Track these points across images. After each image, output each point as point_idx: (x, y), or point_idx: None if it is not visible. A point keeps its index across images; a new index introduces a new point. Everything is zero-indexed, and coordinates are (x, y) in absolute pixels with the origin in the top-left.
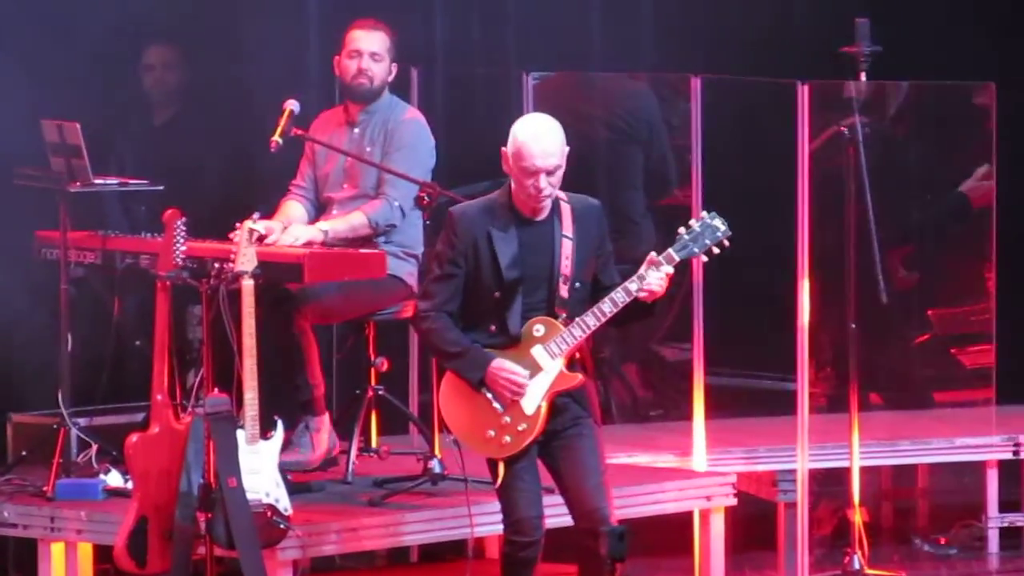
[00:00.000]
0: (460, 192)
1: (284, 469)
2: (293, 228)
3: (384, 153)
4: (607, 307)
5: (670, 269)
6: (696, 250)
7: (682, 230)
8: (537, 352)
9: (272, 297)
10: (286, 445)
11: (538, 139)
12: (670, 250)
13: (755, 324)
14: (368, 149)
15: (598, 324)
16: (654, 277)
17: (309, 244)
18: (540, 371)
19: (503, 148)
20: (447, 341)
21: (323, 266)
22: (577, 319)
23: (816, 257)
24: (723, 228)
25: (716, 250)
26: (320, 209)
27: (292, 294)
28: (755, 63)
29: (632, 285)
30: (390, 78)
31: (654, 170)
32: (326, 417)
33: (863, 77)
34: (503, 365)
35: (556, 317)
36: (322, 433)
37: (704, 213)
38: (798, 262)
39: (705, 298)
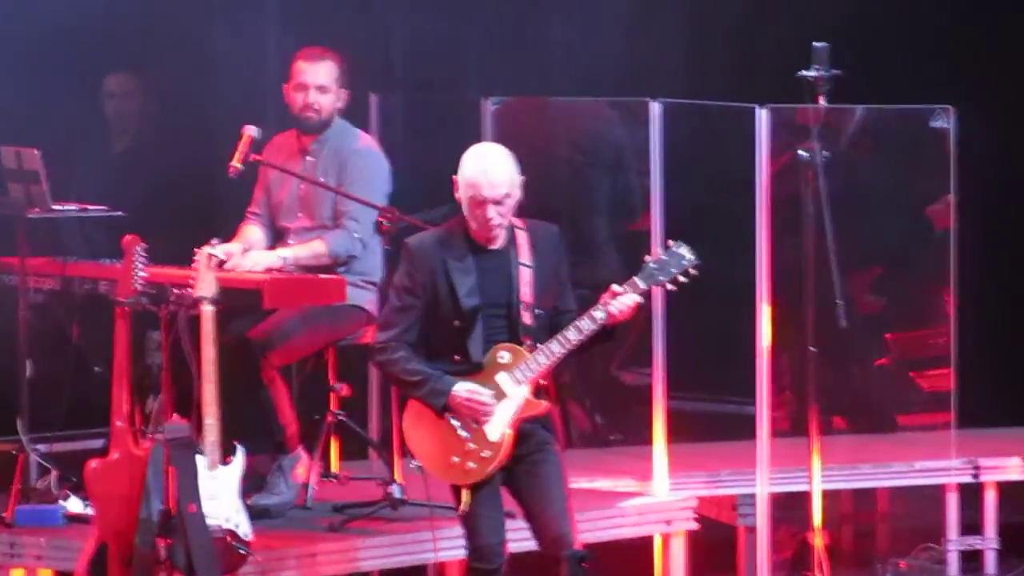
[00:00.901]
0: (420, 217)
1: (262, 512)
2: (253, 253)
3: (339, 184)
4: (572, 335)
5: (636, 296)
6: (662, 279)
7: (648, 258)
8: (502, 379)
9: (236, 349)
10: (261, 486)
11: (486, 170)
12: (635, 278)
13: (716, 348)
14: (322, 179)
15: (563, 352)
16: (622, 302)
17: (268, 270)
18: (505, 398)
19: (454, 176)
20: (407, 371)
21: (282, 291)
22: (542, 346)
23: (776, 281)
24: (689, 257)
25: (682, 279)
26: (277, 236)
27: (256, 343)
28: (715, 87)
29: (598, 313)
30: (340, 105)
31: (620, 195)
32: (300, 450)
33: (822, 101)
34: (467, 387)
35: (520, 344)
36: (298, 468)
37: (671, 242)
38: (758, 286)
39: (666, 322)
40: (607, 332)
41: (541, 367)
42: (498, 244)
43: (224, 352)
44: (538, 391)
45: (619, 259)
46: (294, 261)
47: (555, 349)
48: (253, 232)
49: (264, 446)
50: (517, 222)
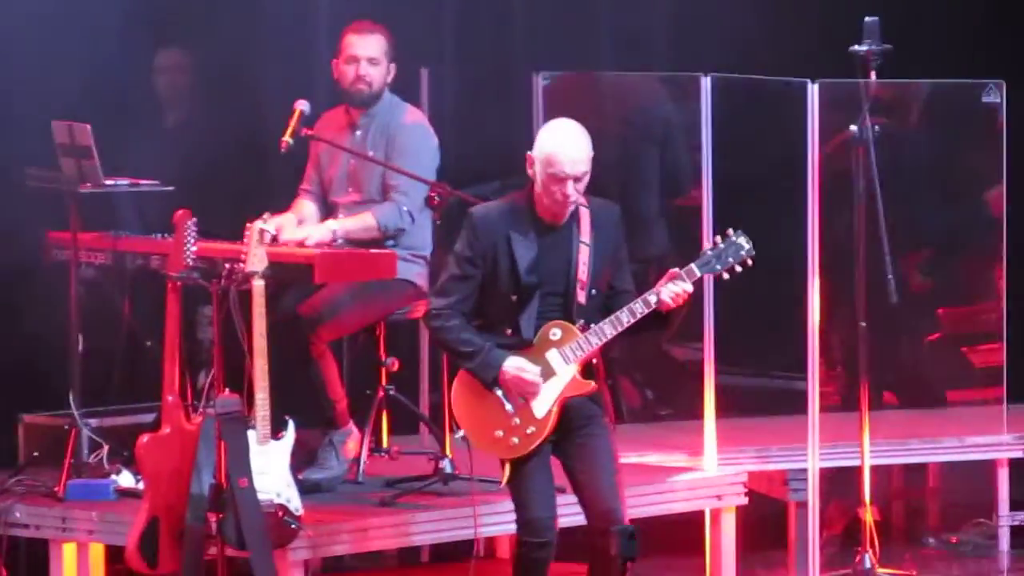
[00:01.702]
0: (470, 192)
1: (312, 487)
2: (304, 226)
3: (387, 159)
4: (625, 316)
5: (688, 285)
6: (718, 267)
7: (706, 246)
8: (552, 356)
9: (287, 323)
10: (311, 461)
11: (567, 146)
12: (692, 265)
13: (766, 323)
14: (371, 153)
15: (615, 333)
16: (673, 290)
17: (319, 244)
18: (553, 375)
19: (528, 153)
20: (460, 340)
21: (334, 266)
22: (594, 326)
23: (826, 257)
24: (747, 247)
25: (738, 268)
26: (328, 212)
27: (306, 318)
28: (766, 62)
29: (651, 297)
30: (389, 79)
31: (670, 170)
32: (351, 426)
33: (873, 76)
34: (516, 364)
35: (573, 323)
36: (348, 443)
37: (730, 231)
38: (808, 262)
39: (715, 297)
40: (663, 318)
41: (592, 347)
42: (562, 221)
43: (274, 328)
44: (586, 370)
45: (669, 235)
46: (344, 234)
47: (607, 330)
48: (306, 207)
49: (315, 421)
50: (581, 199)
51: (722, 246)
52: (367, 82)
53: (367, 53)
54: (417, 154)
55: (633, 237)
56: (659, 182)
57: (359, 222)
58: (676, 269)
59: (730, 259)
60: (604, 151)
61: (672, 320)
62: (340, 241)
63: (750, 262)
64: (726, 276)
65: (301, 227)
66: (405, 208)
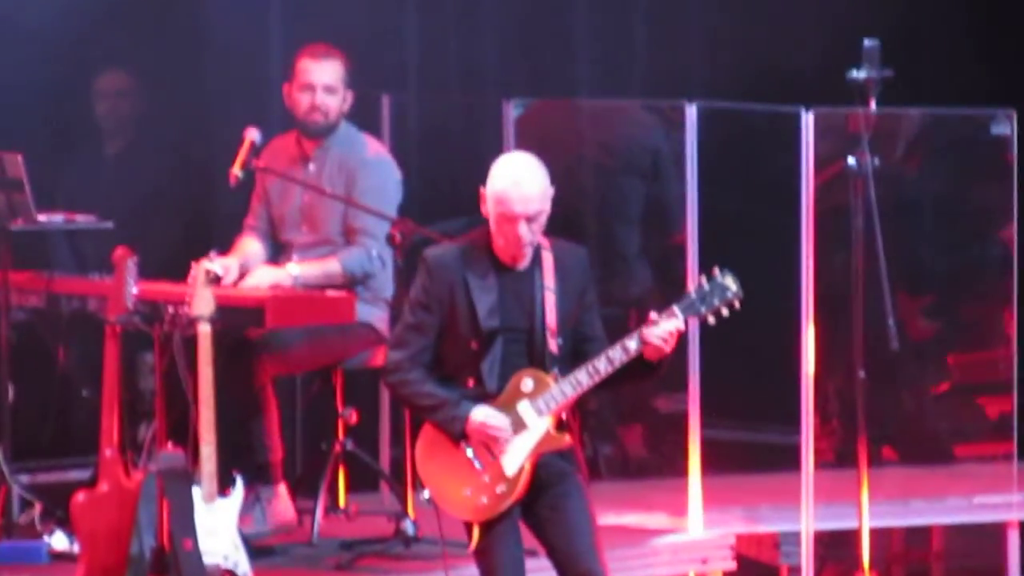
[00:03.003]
0: (435, 230)
1: (265, 550)
2: (260, 271)
3: (348, 195)
4: (603, 364)
5: (680, 322)
6: (703, 310)
7: (690, 287)
8: (523, 408)
9: (230, 346)
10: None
11: (519, 183)
12: (674, 307)
13: (755, 373)
14: (328, 189)
15: (591, 383)
16: (663, 329)
17: (273, 287)
18: (525, 429)
19: (482, 188)
20: (421, 394)
21: (287, 310)
22: (569, 376)
23: (821, 300)
24: (734, 288)
25: (724, 311)
26: (277, 250)
27: (252, 343)
28: (755, 89)
29: (631, 343)
30: (346, 107)
31: (656, 205)
32: (282, 487)
33: (872, 105)
34: (485, 417)
35: (546, 372)
36: (278, 505)
37: (716, 270)
38: (802, 305)
39: (701, 345)
40: (650, 367)
41: (566, 398)
42: (523, 264)
43: (220, 366)
44: (560, 423)
45: (652, 275)
46: (304, 281)
47: (582, 379)
48: (251, 245)
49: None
50: (543, 241)
51: (707, 287)
52: (323, 112)
53: (323, 80)
54: (382, 192)
55: (612, 277)
56: (641, 217)
57: (321, 268)
58: (654, 313)
59: (715, 301)
60: (582, 183)
61: (660, 367)
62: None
63: (737, 304)
64: (711, 320)
65: (253, 273)
66: (375, 252)
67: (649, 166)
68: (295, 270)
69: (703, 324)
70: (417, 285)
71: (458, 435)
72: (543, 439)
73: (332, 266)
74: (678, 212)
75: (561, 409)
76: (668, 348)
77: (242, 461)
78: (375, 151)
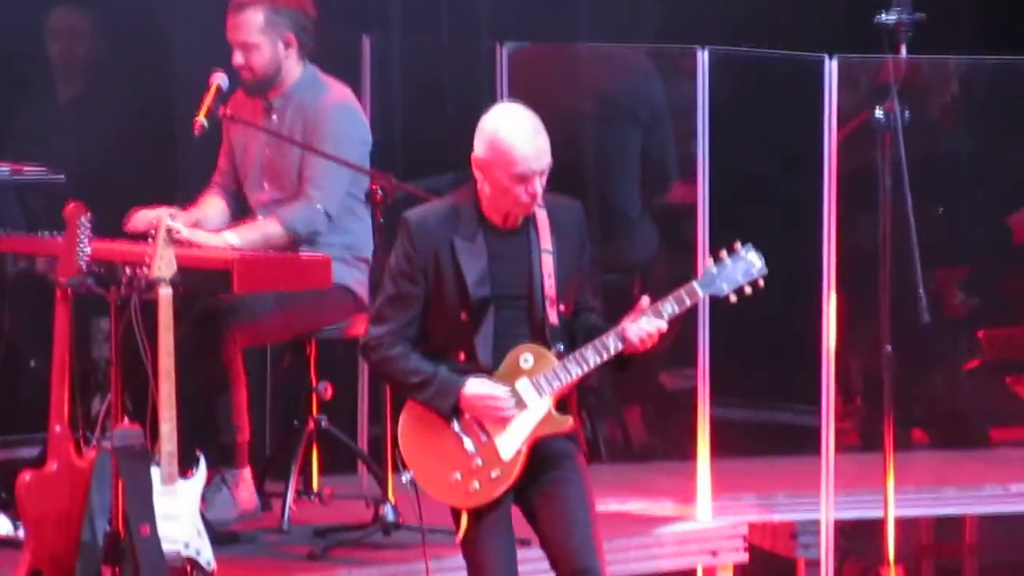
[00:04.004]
0: (420, 186)
1: (229, 537)
2: (196, 233)
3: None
4: (612, 343)
5: (662, 325)
6: (725, 288)
7: (710, 262)
8: (522, 386)
9: (195, 315)
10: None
11: (529, 138)
12: (693, 283)
13: (771, 347)
14: (284, 135)
15: (598, 362)
16: (644, 329)
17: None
18: (524, 409)
19: (473, 155)
20: (407, 371)
21: (256, 273)
22: (575, 353)
23: (844, 268)
24: (759, 264)
25: (748, 290)
26: (245, 210)
27: (219, 310)
28: (773, 33)
29: (609, 340)
30: (286, 55)
31: (653, 160)
32: (247, 472)
33: (903, 51)
34: (480, 388)
35: (548, 347)
36: (242, 491)
37: (738, 244)
38: (823, 273)
39: (712, 316)
40: (621, 361)
41: (571, 378)
42: (515, 223)
43: (183, 336)
44: (561, 404)
45: (656, 236)
46: (241, 247)
47: (589, 358)
48: (212, 205)
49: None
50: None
51: (729, 262)
52: (248, 69)
53: (239, 38)
54: (339, 138)
55: (616, 238)
56: (644, 173)
57: (258, 231)
58: (645, 300)
59: (739, 278)
60: (580, 136)
61: (631, 364)
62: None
63: (762, 283)
64: (733, 299)
65: (192, 233)
66: (319, 206)
67: (646, 117)
68: (231, 236)
69: (724, 303)
70: (398, 252)
71: (449, 411)
72: (543, 421)
73: (271, 228)
74: (675, 170)
75: (565, 390)
76: (643, 348)
77: (205, 441)
78: (339, 96)
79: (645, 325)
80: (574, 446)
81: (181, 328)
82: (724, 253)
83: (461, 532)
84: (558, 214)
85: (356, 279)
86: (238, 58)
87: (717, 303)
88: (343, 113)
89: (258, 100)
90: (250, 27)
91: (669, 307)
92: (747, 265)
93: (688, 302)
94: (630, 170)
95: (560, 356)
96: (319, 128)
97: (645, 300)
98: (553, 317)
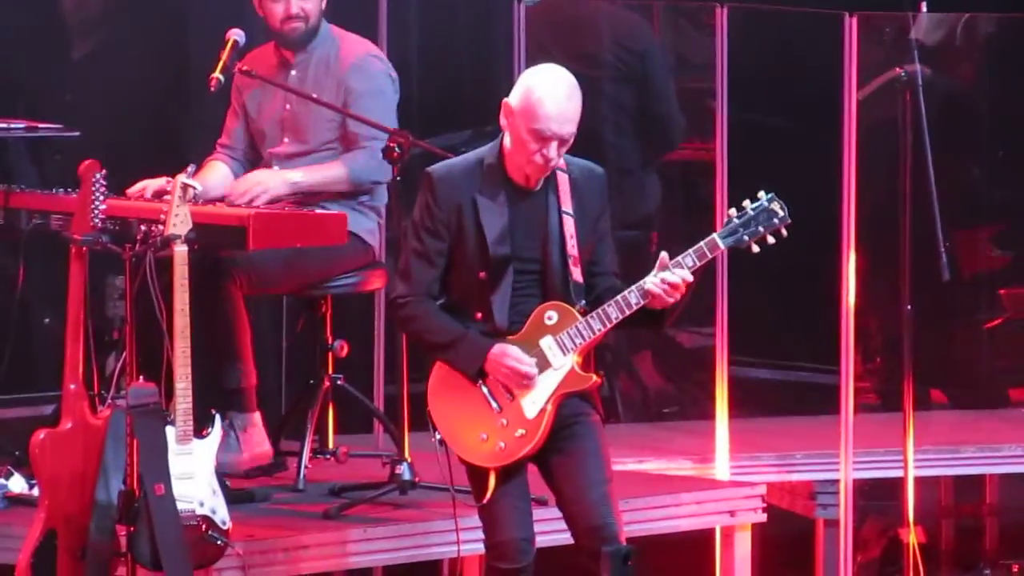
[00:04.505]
0: (436, 143)
1: (245, 495)
2: (255, 174)
3: (343, 104)
4: (634, 297)
5: (687, 275)
6: (746, 238)
7: (732, 211)
8: (547, 344)
9: (196, 264)
10: None
11: (559, 100)
12: (714, 236)
13: (790, 305)
14: (314, 96)
15: (620, 317)
16: (667, 280)
17: (273, 200)
18: (548, 367)
19: (505, 100)
20: (434, 330)
21: (272, 230)
22: (597, 310)
23: (864, 225)
24: (782, 213)
25: (771, 239)
26: (253, 168)
27: (220, 259)
28: None
29: (634, 293)
30: (323, 5)
31: (654, 118)
32: (257, 417)
33: (923, 8)
34: (505, 351)
35: (573, 305)
36: (252, 435)
37: (761, 193)
38: (843, 231)
39: (730, 273)
40: (653, 315)
41: (595, 334)
42: (537, 185)
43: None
44: (586, 361)
45: (660, 189)
46: (308, 187)
47: (611, 314)
48: (217, 170)
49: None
50: (560, 162)
51: (751, 212)
52: (301, 18)
53: None
54: (381, 92)
55: (621, 193)
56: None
57: (327, 173)
58: (664, 255)
59: (761, 228)
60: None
61: (666, 317)
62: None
63: (784, 232)
64: (755, 249)
65: (247, 177)
66: (383, 158)
67: (640, 72)
68: (295, 175)
69: (746, 252)
70: (421, 207)
71: (475, 374)
72: (567, 378)
73: (337, 171)
74: (681, 126)
75: (589, 346)
76: (671, 300)
77: (212, 387)
78: (365, 50)
79: (669, 276)
80: (590, 405)
81: (192, 287)
82: (747, 203)
83: (489, 491)
84: (580, 179)
85: (367, 228)
86: (291, 6)
87: (739, 253)
88: (379, 67)
89: (273, 57)
90: None
91: (690, 259)
92: (769, 214)
93: (710, 255)
94: (625, 125)
95: (583, 312)
96: (358, 84)
97: (664, 255)
98: (577, 275)
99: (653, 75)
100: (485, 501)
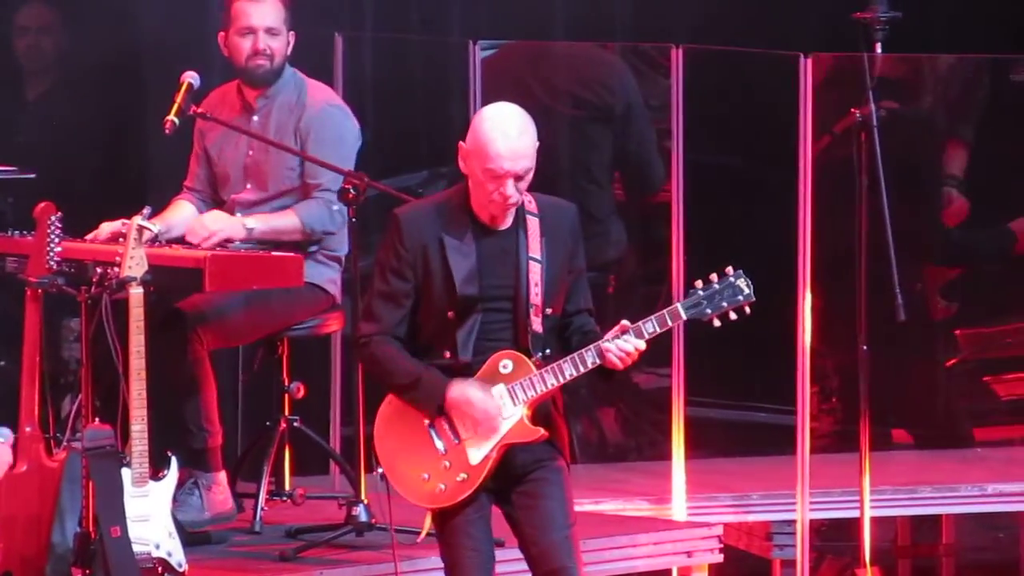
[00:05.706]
0: (392, 184)
1: (201, 538)
2: (212, 214)
3: (302, 148)
4: (590, 357)
5: (641, 344)
6: (708, 311)
7: (699, 283)
8: (498, 392)
9: (160, 318)
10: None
11: (510, 137)
12: (677, 305)
13: (747, 346)
14: (277, 142)
15: (575, 375)
16: (622, 348)
17: (227, 241)
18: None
19: (461, 143)
20: (397, 371)
21: (228, 272)
22: (553, 365)
23: (821, 266)
24: (747, 291)
25: (732, 315)
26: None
27: (184, 314)
28: (749, 32)
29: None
30: (289, 50)
31: (634, 161)
32: (222, 476)
33: (879, 49)
34: (466, 393)
35: (529, 355)
36: (216, 494)
37: (729, 269)
38: (799, 271)
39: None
40: (604, 372)
41: (547, 388)
42: (505, 224)
43: (151, 338)
44: (543, 413)
45: (625, 235)
46: (261, 234)
47: (566, 371)
48: (182, 209)
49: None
50: (527, 198)
51: (716, 286)
52: (268, 56)
53: (264, 22)
54: (340, 143)
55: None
56: (611, 173)
57: (280, 222)
58: (626, 322)
59: (724, 303)
60: (555, 135)
61: (614, 375)
62: (250, 244)
63: (748, 310)
64: (716, 323)
65: (204, 217)
66: (336, 207)
67: (621, 114)
68: (251, 223)
69: (707, 325)
70: (387, 248)
71: (436, 411)
72: (515, 428)
73: (290, 220)
74: (655, 168)
75: (540, 399)
76: (622, 366)
77: (177, 445)
78: (326, 98)
79: (624, 344)
80: (556, 450)
81: (147, 333)
82: (714, 276)
83: (424, 531)
84: (549, 217)
85: (328, 277)
86: (260, 42)
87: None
88: (339, 114)
89: (237, 99)
90: (276, 13)
91: (651, 326)
92: (735, 290)
93: (671, 323)
94: (599, 169)
95: (539, 365)
96: (318, 131)
97: (625, 322)
98: (537, 325)
99: (636, 119)
100: (422, 539)
